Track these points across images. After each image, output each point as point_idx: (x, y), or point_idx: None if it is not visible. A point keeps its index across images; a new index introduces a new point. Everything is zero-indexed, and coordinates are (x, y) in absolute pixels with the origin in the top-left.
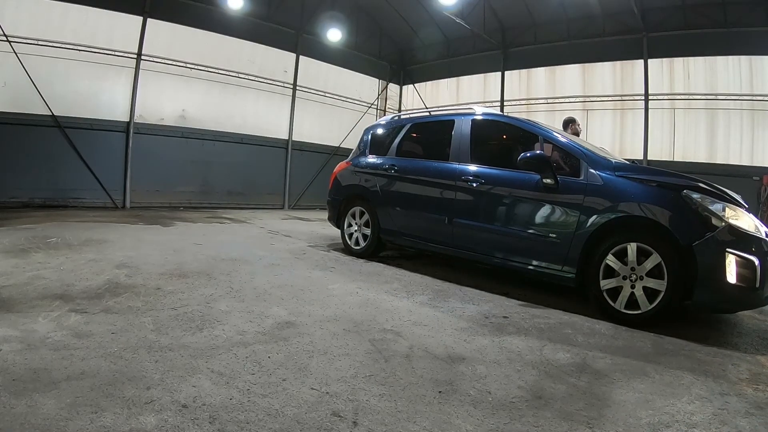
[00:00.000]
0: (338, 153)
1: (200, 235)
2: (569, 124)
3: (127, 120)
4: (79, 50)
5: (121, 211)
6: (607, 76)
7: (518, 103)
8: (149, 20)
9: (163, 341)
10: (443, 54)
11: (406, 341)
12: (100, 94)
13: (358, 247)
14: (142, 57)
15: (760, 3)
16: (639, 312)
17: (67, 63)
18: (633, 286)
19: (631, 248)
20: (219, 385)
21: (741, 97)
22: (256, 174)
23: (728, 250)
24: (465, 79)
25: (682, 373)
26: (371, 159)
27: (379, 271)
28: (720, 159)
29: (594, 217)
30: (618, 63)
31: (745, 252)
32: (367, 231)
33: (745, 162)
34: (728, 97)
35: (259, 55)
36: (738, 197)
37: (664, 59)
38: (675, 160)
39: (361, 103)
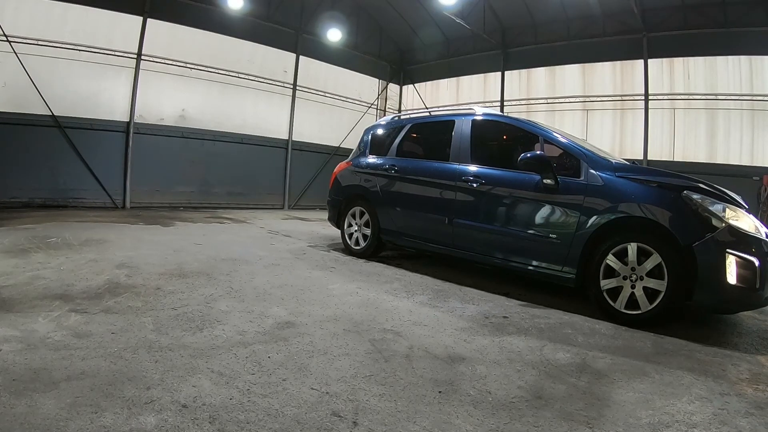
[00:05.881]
0: (338, 153)
1: (200, 235)
2: None
3: (127, 120)
4: (79, 50)
5: (121, 211)
6: (607, 76)
7: (518, 103)
8: (149, 20)
9: (163, 341)
10: (443, 54)
11: (406, 341)
12: (100, 94)
13: (358, 247)
14: (142, 57)
15: (760, 3)
16: (639, 312)
17: (67, 63)
18: (633, 286)
19: (632, 248)
20: (219, 385)
21: (741, 97)
22: (256, 174)
23: (728, 250)
24: (465, 79)
25: (682, 373)
26: (371, 159)
27: (379, 271)
28: (720, 159)
29: (594, 217)
30: (618, 63)
31: (745, 253)
32: (367, 231)
33: (745, 162)
34: (728, 97)
35: (259, 55)
36: (738, 198)
37: (664, 59)
38: (675, 160)
39: (361, 103)
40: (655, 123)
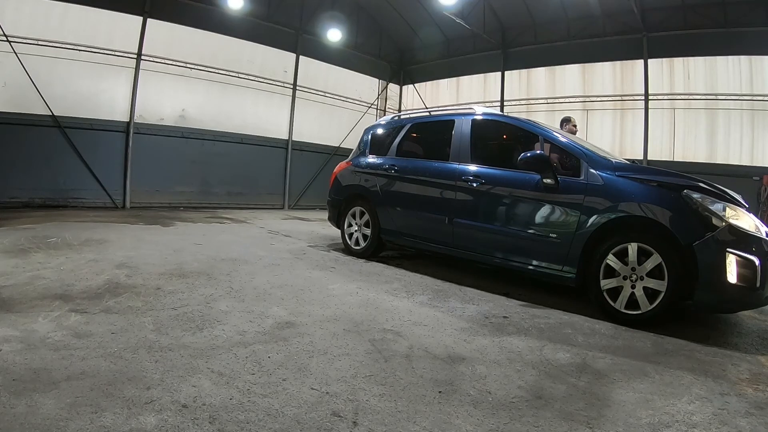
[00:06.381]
0: (338, 153)
1: (200, 235)
2: (565, 123)
3: (127, 120)
4: (79, 50)
5: (121, 211)
6: (607, 76)
7: (518, 103)
8: (149, 20)
9: (163, 341)
10: (443, 54)
11: (406, 341)
12: (100, 94)
13: (358, 247)
14: (142, 57)
15: (760, 3)
16: (639, 312)
17: (67, 63)
18: (633, 286)
19: (632, 248)
20: (219, 385)
21: (741, 97)
22: (256, 174)
23: (729, 250)
24: (465, 79)
25: (682, 373)
26: (371, 159)
27: (379, 271)
28: (720, 159)
29: (594, 217)
30: (618, 63)
31: (745, 252)
32: (368, 231)
33: (745, 162)
34: (728, 97)
35: (259, 55)
36: (738, 197)
37: (664, 59)
38: (675, 160)
39: (361, 103)
40: (655, 123)
